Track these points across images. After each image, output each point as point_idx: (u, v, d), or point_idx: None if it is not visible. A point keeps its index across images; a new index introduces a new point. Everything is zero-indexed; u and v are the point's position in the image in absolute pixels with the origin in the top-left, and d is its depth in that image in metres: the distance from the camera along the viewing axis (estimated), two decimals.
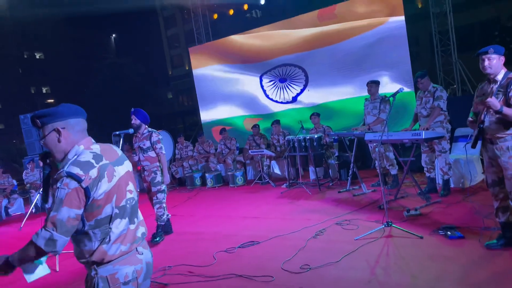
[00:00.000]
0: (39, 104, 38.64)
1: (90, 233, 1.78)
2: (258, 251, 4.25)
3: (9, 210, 8.90)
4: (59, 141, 1.82)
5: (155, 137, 5.15)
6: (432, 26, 8.95)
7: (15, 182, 9.37)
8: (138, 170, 5.27)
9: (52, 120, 1.82)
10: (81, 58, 46.47)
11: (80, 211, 1.72)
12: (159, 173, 5.15)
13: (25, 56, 42.81)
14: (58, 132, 1.81)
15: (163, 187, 5.18)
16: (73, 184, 1.70)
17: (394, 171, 6.14)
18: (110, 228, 1.80)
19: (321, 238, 4.36)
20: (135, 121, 5.11)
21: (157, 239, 5.14)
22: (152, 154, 5.14)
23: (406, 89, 4.61)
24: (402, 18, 8.18)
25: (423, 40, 16.67)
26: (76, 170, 1.71)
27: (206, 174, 8.82)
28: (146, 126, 5.23)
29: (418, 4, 18.01)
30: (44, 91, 44.29)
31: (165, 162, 5.25)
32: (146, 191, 5.36)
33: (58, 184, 1.72)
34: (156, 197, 5.14)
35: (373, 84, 6.16)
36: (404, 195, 5.61)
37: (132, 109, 5.15)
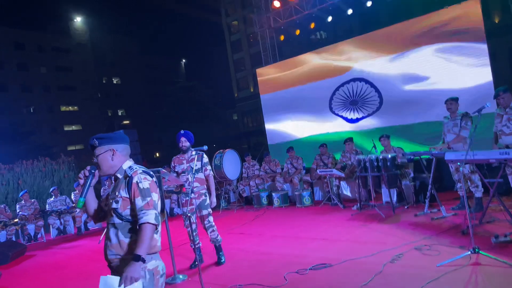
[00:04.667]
0: (116, 125, 41.33)
1: None
2: (331, 274, 4.07)
3: (88, 225, 9.44)
4: (112, 159, 2.37)
5: (206, 158, 5.09)
6: None
7: None
8: (184, 192, 5.01)
9: (108, 142, 2.37)
10: (153, 83, 49.50)
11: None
12: (208, 195, 5.05)
13: (104, 81, 46.16)
14: (113, 152, 2.37)
15: (210, 210, 5.06)
16: (149, 177, 2.31)
17: (478, 193, 5.66)
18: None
19: (399, 263, 4.08)
20: (185, 143, 5.02)
21: (223, 260, 5.08)
22: (201, 175, 5.02)
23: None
24: (482, 32, 7.75)
25: (504, 55, 15.64)
26: (146, 170, 2.35)
27: (273, 193, 8.75)
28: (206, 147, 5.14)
29: (495, 19, 16.97)
30: (119, 113, 47.32)
31: (213, 185, 5.14)
32: (183, 215, 5.09)
33: (136, 180, 2.26)
34: (208, 220, 5.00)
35: (453, 101, 5.80)
36: (490, 220, 5.13)
37: (182, 131, 5.05)
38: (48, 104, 39.19)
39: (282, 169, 9.56)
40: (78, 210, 9.16)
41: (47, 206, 9.34)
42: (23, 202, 9.12)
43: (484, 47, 7.81)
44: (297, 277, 4.11)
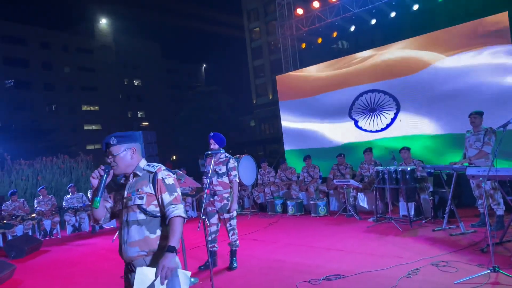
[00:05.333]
0: (135, 126, 41.83)
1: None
2: (344, 286, 3.99)
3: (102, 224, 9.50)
4: (131, 157, 2.40)
5: (232, 163, 5.05)
6: None
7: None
8: (207, 194, 4.97)
9: (129, 141, 2.41)
10: (173, 86, 50.14)
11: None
12: (230, 199, 5.03)
13: (125, 83, 46.85)
14: (133, 150, 2.41)
15: (234, 213, 5.07)
16: (172, 174, 2.39)
17: (500, 211, 5.50)
18: None
19: (414, 278, 3.98)
20: (214, 145, 5.00)
21: (235, 265, 5.05)
22: (226, 179, 5.01)
23: None
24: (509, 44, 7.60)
25: None
26: (167, 168, 2.42)
27: (288, 202, 8.68)
28: (223, 151, 5.13)
29: None
30: (139, 115, 47.94)
31: (237, 190, 5.10)
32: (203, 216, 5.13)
33: (161, 176, 2.33)
34: (230, 223, 5.01)
35: (477, 115, 5.66)
36: (511, 239, 4.98)
37: (212, 133, 5.05)
38: (69, 103, 39.93)
39: (298, 177, 9.48)
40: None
41: (63, 202, 9.46)
42: (40, 197, 9.25)
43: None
44: (309, 287, 4.05)
